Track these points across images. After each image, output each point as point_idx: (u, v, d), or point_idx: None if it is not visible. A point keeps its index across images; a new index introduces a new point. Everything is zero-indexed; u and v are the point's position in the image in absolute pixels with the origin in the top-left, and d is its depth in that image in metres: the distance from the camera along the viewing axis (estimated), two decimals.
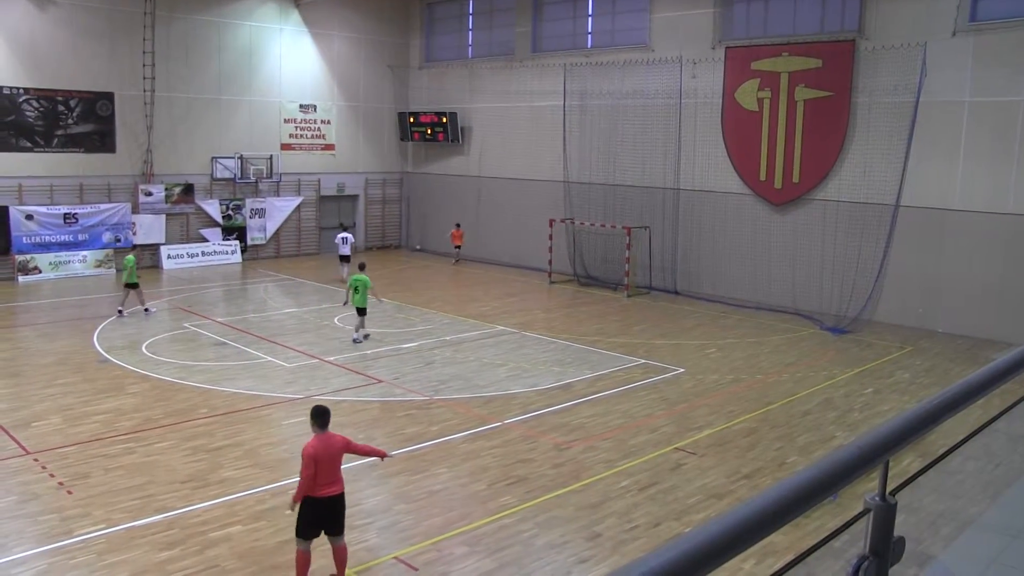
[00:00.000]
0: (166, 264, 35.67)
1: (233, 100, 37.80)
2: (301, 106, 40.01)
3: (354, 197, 42.66)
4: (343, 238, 34.34)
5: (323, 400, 18.26)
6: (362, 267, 24.84)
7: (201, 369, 20.56)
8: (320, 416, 10.66)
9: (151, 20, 34.54)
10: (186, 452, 15.15)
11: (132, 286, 26.18)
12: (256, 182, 38.54)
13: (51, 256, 32.90)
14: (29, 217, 32.48)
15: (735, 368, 21.73)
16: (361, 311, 23.55)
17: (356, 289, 23.50)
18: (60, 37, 32.90)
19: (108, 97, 34.25)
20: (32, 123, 32.62)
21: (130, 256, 26.75)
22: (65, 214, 33.27)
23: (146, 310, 26.71)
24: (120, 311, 26.25)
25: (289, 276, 34.60)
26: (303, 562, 10.53)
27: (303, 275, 34.78)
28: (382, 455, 11.53)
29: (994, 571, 4.68)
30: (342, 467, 10.72)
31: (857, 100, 27.50)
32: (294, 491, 10.55)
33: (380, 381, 19.90)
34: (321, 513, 10.46)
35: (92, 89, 33.81)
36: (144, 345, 22.76)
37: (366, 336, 23.86)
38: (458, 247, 39.33)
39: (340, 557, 10.72)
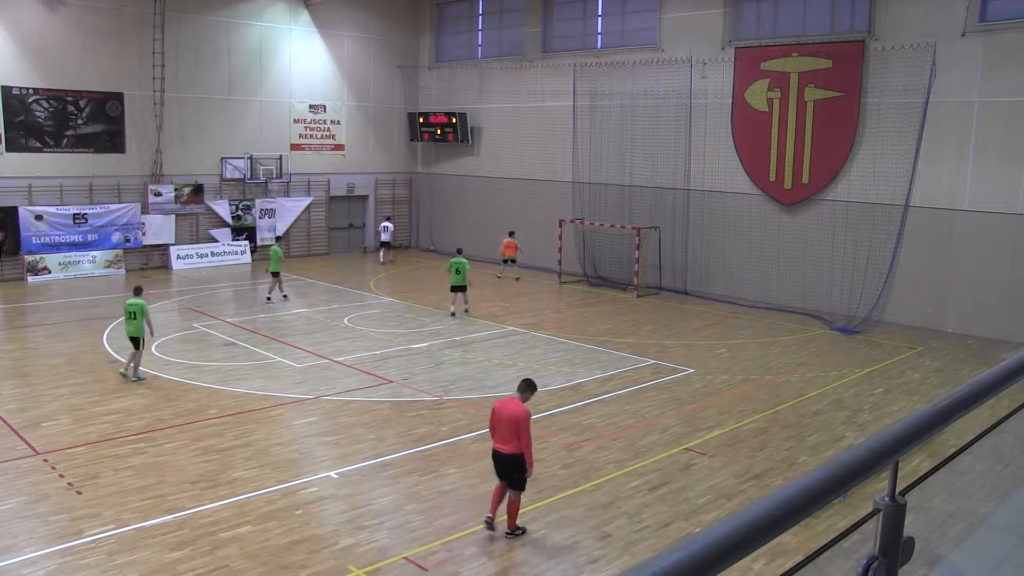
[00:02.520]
0: (175, 264, 35.75)
1: (243, 100, 37.86)
2: (311, 106, 40.07)
3: (364, 198, 42.71)
4: (384, 227, 39.82)
5: (333, 400, 18.33)
6: (459, 251, 28.63)
7: (211, 369, 20.59)
8: (522, 383, 12.33)
9: (161, 20, 34.62)
10: (196, 452, 15.18)
11: (276, 274, 29.00)
12: (266, 182, 38.60)
13: (60, 256, 32.99)
14: (39, 217, 32.57)
15: (745, 368, 21.71)
16: (460, 288, 27.21)
17: (457, 271, 27.12)
18: (70, 37, 33.00)
19: (118, 97, 34.33)
20: (42, 123, 32.71)
21: (276, 247, 29.68)
22: (75, 214, 33.36)
23: (284, 296, 29.70)
24: (268, 298, 29.38)
25: (299, 276, 34.62)
26: (495, 494, 12.26)
27: (313, 275, 34.82)
28: (528, 465, 12.00)
29: (1004, 571, 4.67)
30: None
31: (867, 100, 27.45)
32: None
33: (390, 381, 19.92)
34: (496, 463, 12.16)
35: (102, 89, 33.90)
36: (154, 345, 22.79)
37: (465, 311, 27.52)
38: (512, 260, 35.19)
39: (509, 508, 12.10)
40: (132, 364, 19.66)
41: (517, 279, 34.85)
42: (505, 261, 35.37)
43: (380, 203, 43.10)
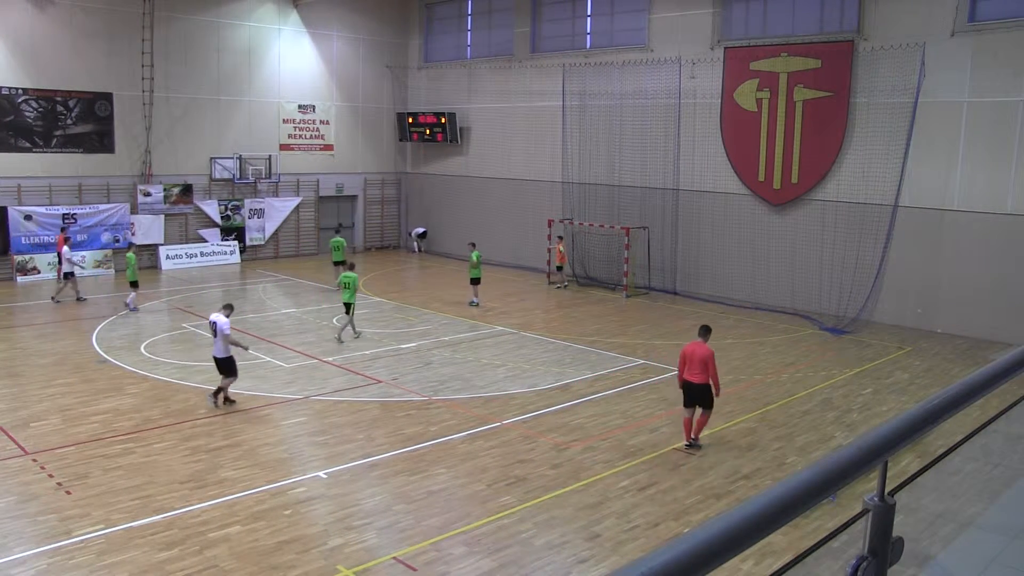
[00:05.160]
0: (165, 265, 35.65)
1: (232, 100, 37.79)
2: (300, 106, 40.01)
3: (353, 197, 42.67)
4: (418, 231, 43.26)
5: (322, 400, 18.32)
6: (473, 245, 30.40)
7: (200, 369, 20.52)
8: (701, 329, 16.11)
9: (150, 20, 34.52)
10: (185, 452, 15.15)
11: (341, 263, 30.70)
12: (255, 182, 38.53)
13: (50, 256, 32.84)
14: (28, 217, 32.47)
15: (734, 368, 21.72)
16: (475, 281, 29.24)
17: (476, 265, 29.17)
18: (59, 37, 32.89)
19: (107, 97, 34.24)
20: (31, 123, 32.61)
21: (340, 239, 32.41)
22: (64, 214, 33.25)
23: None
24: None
25: (288, 276, 34.59)
26: (686, 424, 15.82)
27: (302, 275, 34.77)
28: (716, 391, 15.58)
29: (993, 571, 4.68)
30: None
31: (856, 100, 27.51)
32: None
33: (379, 381, 19.90)
34: (689, 392, 15.54)
35: (91, 89, 33.81)
36: (143, 345, 22.76)
37: (475, 303, 29.08)
38: (560, 267, 34.05)
39: (699, 421, 15.73)
40: (348, 326, 23.95)
41: (565, 286, 33.67)
42: (559, 268, 34.08)
43: (369, 203, 43.09)
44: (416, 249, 42.90)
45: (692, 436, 15.74)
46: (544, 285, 33.81)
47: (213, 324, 17.77)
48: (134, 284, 27.37)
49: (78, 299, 28.54)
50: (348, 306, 23.93)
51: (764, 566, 10.84)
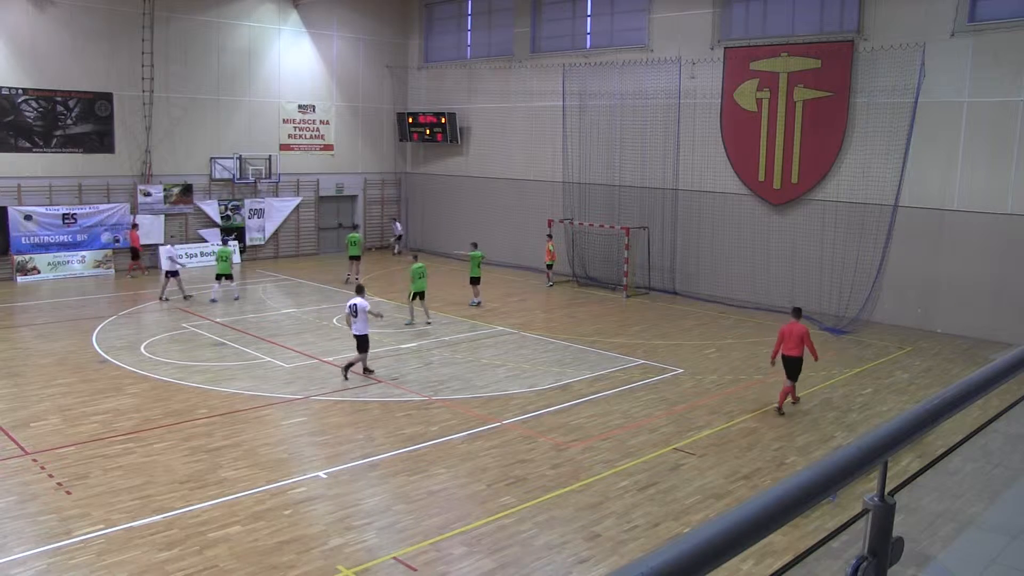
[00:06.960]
0: (165, 265, 35.55)
1: (232, 100, 37.77)
2: (300, 106, 39.99)
3: (353, 197, 42.66)
4: (396, 225, 43.28)
5: (321, 400, 18.32)
6: (475, 245, 30.61)
7: (200, 369, 20.54)
8: (794, 310, 18.50)
9: (150, 21, 34.52)
10: (185, 452, 15.15)
11: (357, 258, 33.04)
12: (255, 182, 38.51)
13: (50, 256, 32.87)
14: (28, 217, 32.46)
15: (734, 368, 21.72)
16: (475, 280, 29.48)
17: (478, 264, 29.58)
18: (59, 38, 32.88)
19: (107, 97, 34.23)
20: (31, 123, 32.60)
21: (355, 234, 33.79)
22: (64, 214, 33.25)
23: (349, 279, 32.63)
24: (348, 279, 32.81)
25: (288, 276, 34.58)
26: (783, 391, 18.04)
27: (302, 275, 34.76)
28: (815, 358, 18.26)
29: (993, 571, 4.68)
30: None
31: (856, 100, 27.50)
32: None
33: (379, 381, 19.90)
34: (788, 364, 17.78)
35: (91, 89, 33.79)
36: (143, 345, 22.76)
37: (478, 303, 29.27)
38: (550, 264, 34.17)
39: (785, 390, 18.01)
40: (421, 311, 26.23)
41: (551, 285, 33.93)
42: (549, 266, 34.21)
43: (369, 203, 43.07)
44: (396, 251, 42.44)
45: (794, 400, 18.40)
46: (544, 285, 33.80)
47: (354, 307, 19.87)
48: (228, 276, 29.11)
49: (184, 296, 29.40)
50: (419, 294, 25.84)
51: (764, 566, 10.84)
